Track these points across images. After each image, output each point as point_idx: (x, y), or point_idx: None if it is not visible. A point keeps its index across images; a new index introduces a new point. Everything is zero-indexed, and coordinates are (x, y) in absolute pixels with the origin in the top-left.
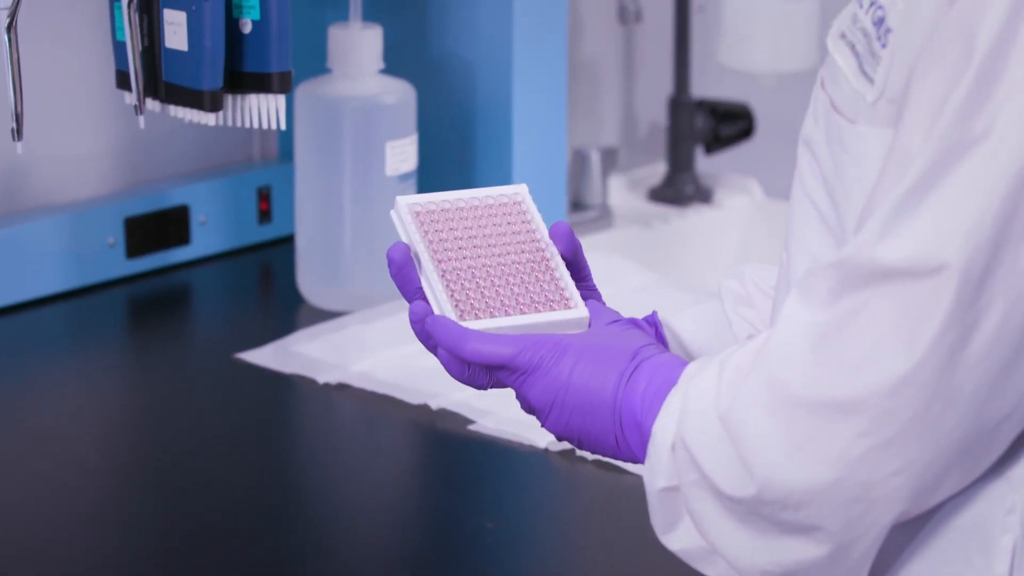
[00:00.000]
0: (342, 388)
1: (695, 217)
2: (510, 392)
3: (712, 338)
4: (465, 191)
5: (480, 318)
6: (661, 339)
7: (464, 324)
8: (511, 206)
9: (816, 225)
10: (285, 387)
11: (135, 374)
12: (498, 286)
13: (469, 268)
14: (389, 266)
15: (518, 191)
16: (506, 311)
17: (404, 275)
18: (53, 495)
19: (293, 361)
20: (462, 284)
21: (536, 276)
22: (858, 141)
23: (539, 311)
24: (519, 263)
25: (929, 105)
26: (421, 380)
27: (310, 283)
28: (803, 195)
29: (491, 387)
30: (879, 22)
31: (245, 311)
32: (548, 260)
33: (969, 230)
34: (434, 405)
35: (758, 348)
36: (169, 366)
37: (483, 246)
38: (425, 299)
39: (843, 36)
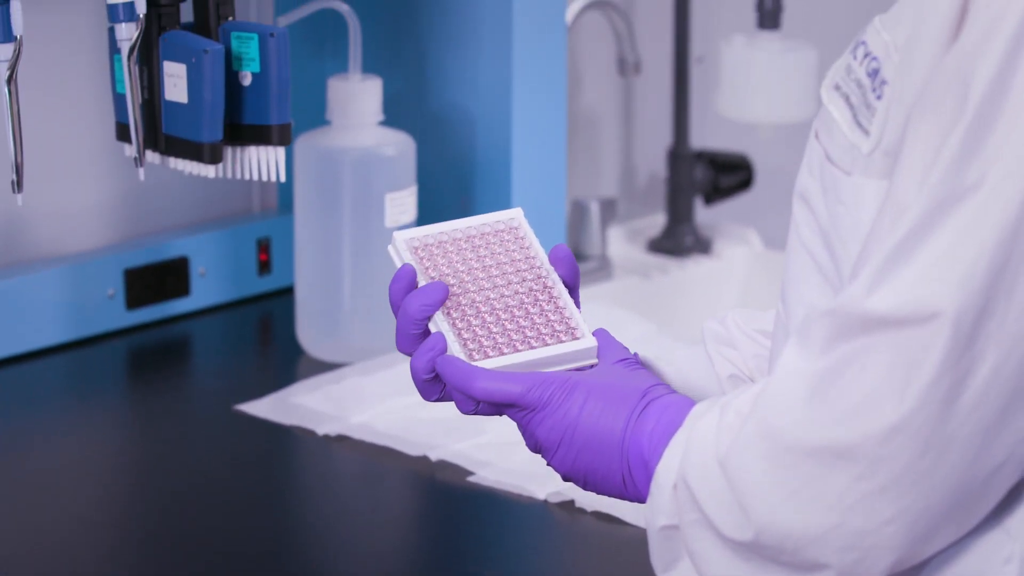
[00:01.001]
0: (341, 440)
1: (694, 268)
2: (509, 444)
3: (695, 380)
4: (461, 220)
5: (489, 356)
6: None
7: (474, 364)
8: (508, 231)
9: (814, 277)
10: (285, 439)
11: (135, 426)
12: (504, 320)
13: (473, 303)
14: (397, 284)
15: (514, 216)
16: (515, 347)
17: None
18: (53, 547)
19: (293, 413)
20: (468, 322)
21: (541, 307)
22: (854, 192)
23: (547, 344)
24: (522, 292)
25: (923, 156)
26: (420, 432)
27: (310, 335)
28: (799, 247)
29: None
30: (874, 73)
31: (245, 363)
32: (551, 288)
33: (962, 278)
34: (433, 457)
35: (757, 394)
36: (169, 417)
37: (485, 277)
38: (427, 333)
39: (837, 87)
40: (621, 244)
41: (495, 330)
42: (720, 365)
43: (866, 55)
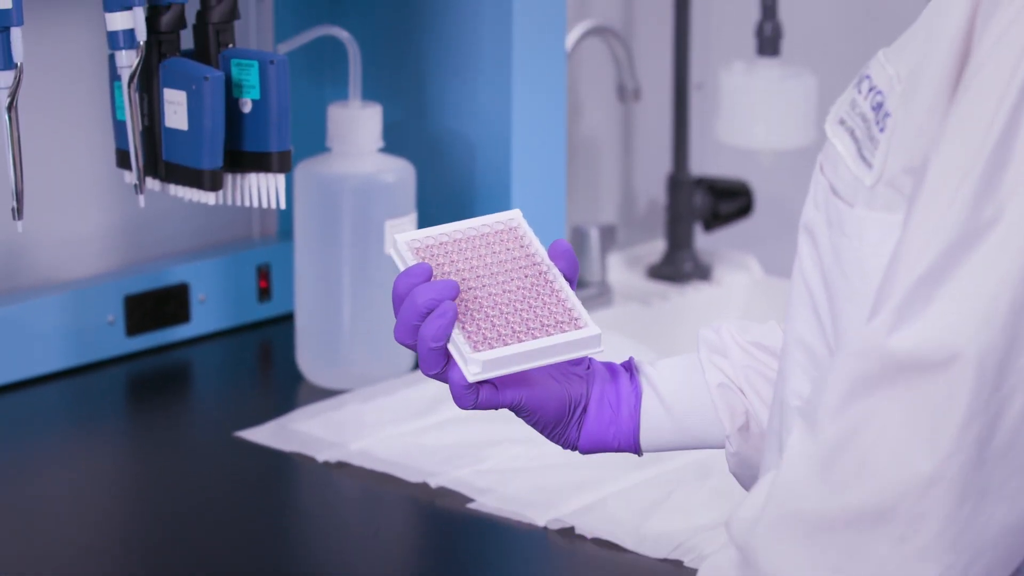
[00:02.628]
0: (341, 466)
1: (694, 294)
2: (510, 471)
3: (685, 386)
4: (460, 222)
5: (493, 347)
6: (636, 384)
7: (478, 355)
8: (507, 232)
9: (807, 313)
10: (285, 465)
11: (135, 452)
12: (507, 313)
13: (476, 299)
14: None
15: (513, 216)
16: (518, 337)
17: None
18: (53, 573)
19: (292, 439)
20: (471, 315)
21: (543, 299)
22: (857, 225)
23: (550, 333)
24: (524, 287)
25: (941, 193)
26: (420, 458)
27: (309, 361)
28: (801, 283)
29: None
30: (878, 107)
31: (245, 389)
32: (552, 282)
33: (983, 318)
34: (433, 483)
35: (766, 494)
36: (169, 444)
37: (486, 275)
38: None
39: (842, 122)
40: (621, 270)
41: (498, 322)
42: (711, 373)
43: (871, 89)
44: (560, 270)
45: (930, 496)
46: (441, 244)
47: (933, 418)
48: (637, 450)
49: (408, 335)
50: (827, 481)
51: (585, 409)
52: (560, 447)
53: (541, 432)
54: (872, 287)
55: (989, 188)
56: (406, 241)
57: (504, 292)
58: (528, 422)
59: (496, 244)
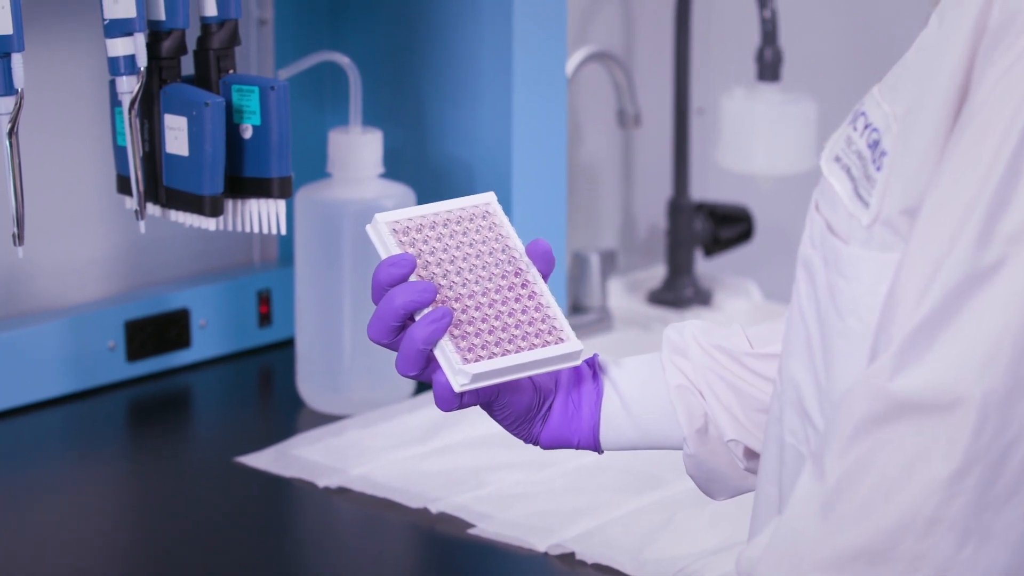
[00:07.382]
0: (342, 492)
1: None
2: (510, 496)
3: (646, 386)
4: (438, 203)
5: (481, 358)
6: (598, 382)
7: (468, 367)
8: (482, 217)
9: (802, 351)
10: (285, 491)
11: (135, 478)
12: (491, 320)
13: (459, 297)
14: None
15: (488, 200)
16: (504, 349)
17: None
18: None
19: (293, 465)
20: (458, 320)
21: (524, 305)
22: (853, 264)
23: (534, 347)
24: (503, 288)
25: (939, 234)
26: (421, 484)
27: (310, 387)
28: (798, 319)
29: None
30: (874, 145)
31: (245, 415)
32: (532, 284)
33: (986, 362)
34: (434, 509)
35: (771, 533)
36: (169, 469)
37: (466, 269)
38: (405, 327)
39: (838, 159)
40: (621, 296)
41: (483, 329)
42: (671, 373)
43: (866, 126)
44: (538, 270)
45: (930, 537)
46: (420, 227)
47: (934, 460)
48: (598, 448)
49: (384, 335)
50: (828, 521)
51: (551, 406)
52: (522, 442)
53: (506, 427)
54: (867, 326)
55: (990, 231)
56: (387, 222)
57: (485, 293)
58: (496, 417)
59: (473, 232)
